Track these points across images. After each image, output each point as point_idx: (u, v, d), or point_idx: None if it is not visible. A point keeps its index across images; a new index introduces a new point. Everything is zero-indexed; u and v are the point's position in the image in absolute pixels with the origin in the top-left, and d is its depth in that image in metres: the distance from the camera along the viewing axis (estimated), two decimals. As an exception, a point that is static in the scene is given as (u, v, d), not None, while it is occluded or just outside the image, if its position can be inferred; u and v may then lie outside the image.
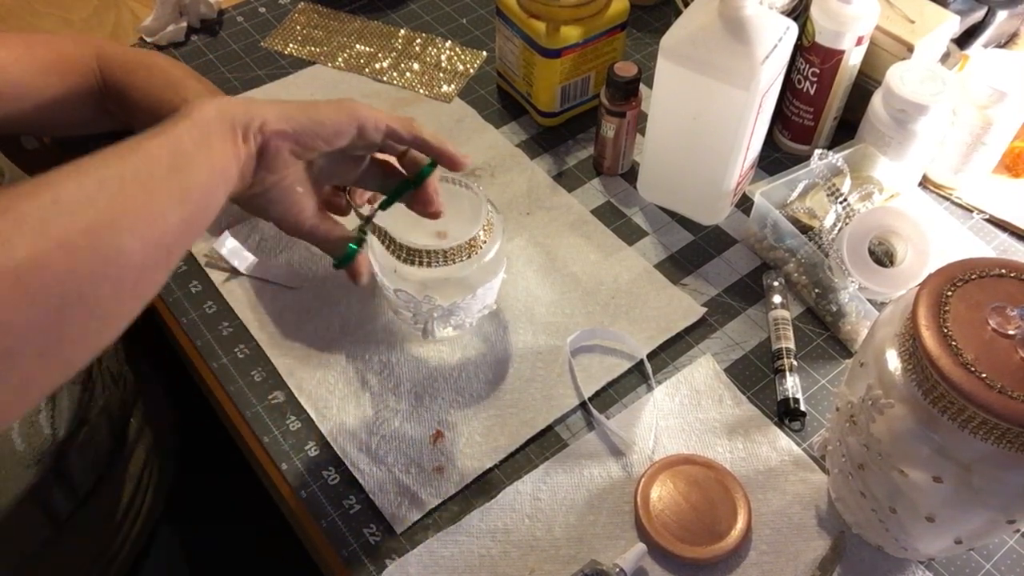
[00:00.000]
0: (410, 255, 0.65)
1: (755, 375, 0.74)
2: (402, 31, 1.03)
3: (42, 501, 0.66)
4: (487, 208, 0.67)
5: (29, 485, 0.64)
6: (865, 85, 0.85)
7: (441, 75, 0.98)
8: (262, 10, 1.05)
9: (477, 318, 0.72)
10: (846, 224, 0.75)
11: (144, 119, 0.79)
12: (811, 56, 0.82)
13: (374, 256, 0.69)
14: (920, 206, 0.81)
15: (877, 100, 0.81)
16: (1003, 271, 0.53)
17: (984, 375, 0.48)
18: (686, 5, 0.84)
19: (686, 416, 0.71)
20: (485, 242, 0.66)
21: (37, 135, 0.92)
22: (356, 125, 0.58)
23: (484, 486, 0.67)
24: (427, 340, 0.74)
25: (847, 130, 0.88)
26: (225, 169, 0.52)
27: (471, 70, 0.99)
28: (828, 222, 0.76)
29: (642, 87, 0.83)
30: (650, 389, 0.72)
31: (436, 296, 0.67)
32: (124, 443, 0.77)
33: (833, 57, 0.81)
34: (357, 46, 1.01)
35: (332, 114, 0.57)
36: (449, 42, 1.01)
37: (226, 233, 0.80)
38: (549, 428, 0.70)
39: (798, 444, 0.69)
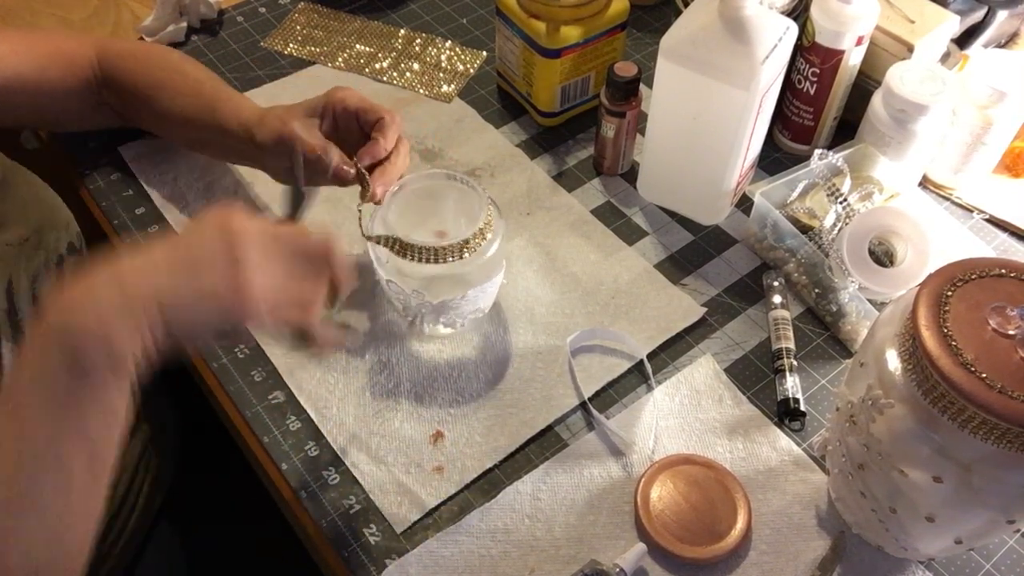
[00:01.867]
0: (403, 249, 0.65)
1: (755, 375, 0.74)
2: (402, 31, 1.03)
3: None
4: (487, 210, 0.67)
5: None
6: (865, 85, 0.85)
7: (441, 75, 0.98)
8: (262, 10, 1.05)
9: (469, 319, 0.72)
10: (846, 224, 0.74)
11: (138, 108, 0.80)
12: (811, 56, 0.82)
13: (372, 245, 0.69)
14: (920, 206, 0.81)
15: (877, 100, 0.81)
16: (1003, 271, 0.53)
17: (984, 375, 0.48)
18: (686, 5, 0.84)
19: (686, 416, 0.71)
20: (480, 243, 0.66)
21: (34, 128, 0.92)
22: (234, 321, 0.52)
23: (484, 486, 0.67)
24: (416, 335, 0.74)
25: (847, 130, 0.88)
26: (116, 410, 0.48)
27: (471, 70, 0.99)
28: (828, 222, 0.76)
29: (642, 87, 0.83)
30: (650, 389, 0.72)
31: (428, 292, 0.67)
32: None
33: (833, 57, 0.81)
34: (357, 46, 1.01)
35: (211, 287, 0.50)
36: (449, 42, 1.01)
37: (226, 233, 0.80)
38: (549, 428, 0.70)
39: (798, 444, 0.69)
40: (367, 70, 0.98)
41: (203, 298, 0.49)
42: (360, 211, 0.68)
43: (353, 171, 0.68)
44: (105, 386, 0.46)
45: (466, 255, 0.65)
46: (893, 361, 0.53)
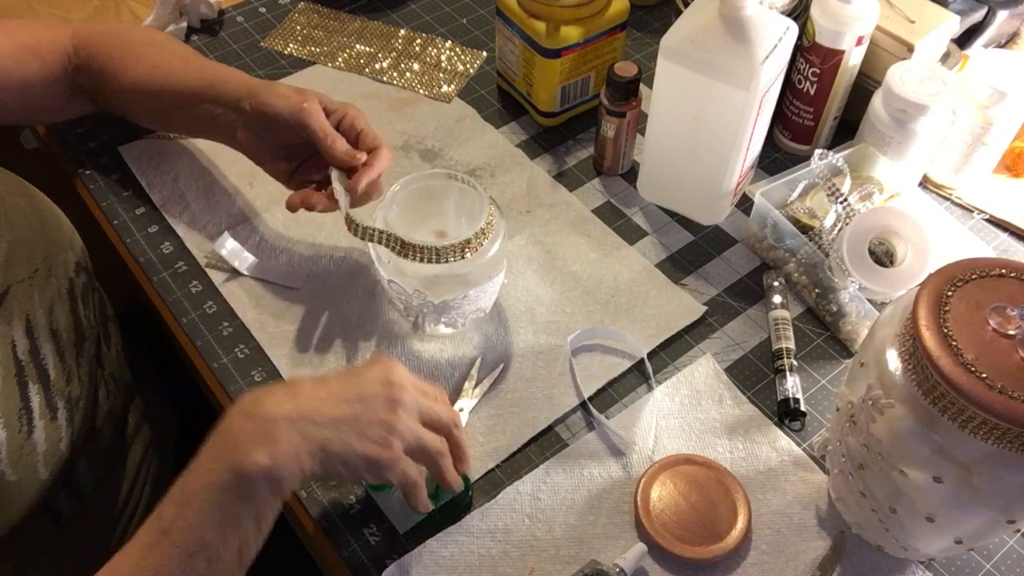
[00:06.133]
0: (403, 248, 0.65)
1: (755, 375, 0.74)
2: (402, 31, 1.03)
3: (50, 508, 0.66)
4: (488, 210, 0.67)
5: (39, 496, 0.64)
6: (865, 85, 0.85)
7: (441, 75, 0.98)
8: (262, 10, 1.05)
9: (470, 319, 0.72)
10: (846, 224, 0.75)
11: (112, 84, 0.79)
12: (811, 56, 0.82)
13: (373, 245, 0.69)
14: (920, 206, 0.81)
15: (877, 100, 0.81)
16: (1003, 271, 0.53)
17: (984, 375, 0.48)
18: (686, 5, 0.84)
19: (686, 416, 0.71)
20: (481, 243, 0.66)
21: (15, 123, 0.91)
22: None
23: (484, 486, 0.67)
24: (418, 333, 0.74)
25: (847, 130, 0.88)
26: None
27: (471, 70, 0.99)
28: (828, 222, 0.76)
29: (642, 87, 0.83)
30: (650, 389, 0.72)
31: (429, 292, 0.67)
32: (123, 441, 0.77)
33: (833, 57, 0.81)
34: (357, 46, 1.01)
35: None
36: (449, 42, 1.01)
37: (226, 234, 0.80)
38: (549, 428, 0.70)
39: (798, 444, 0.69)
40: (367, 70, 0.98)
41: (358, 457, 0.54)
42: (346, 213, 0.69)
43: (362, 157, 0.71)
44: (263, 507, 0.52)
45: (467, 255, 0.65)
46: (893, 361, 0.53)
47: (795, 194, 0.81)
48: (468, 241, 0.65)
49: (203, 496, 0.51)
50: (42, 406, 0.63)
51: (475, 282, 0.68)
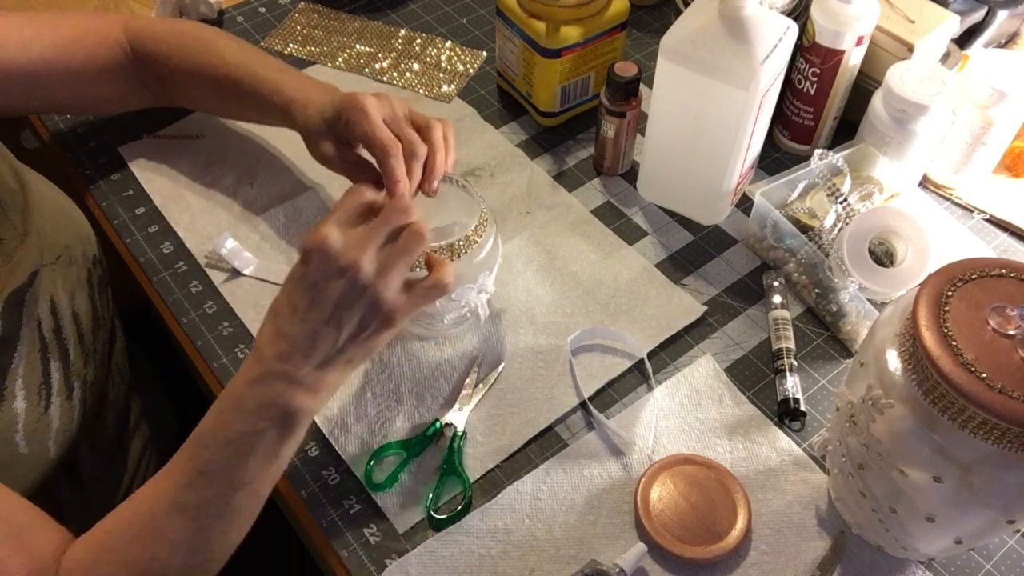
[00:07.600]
0: None
1: (755, 375, 0.74)
2: (402, 31, 1.03)
3: (53, 494, 0.66)
4: (480, 217, 0.66)
5: (45, 476, 0.65)
6: (865, 85, 0.85)
7: (441, 75, 0.98)
8: (262, 10, 1.05)
9: (453, 318, 0.72)
10: (846, 224, 0.75)
11: (182, 87, 0.80)
12: (811, 56, 0.82)
13: None
14: (920, 206, 0.81)
15: (877, 100, 0.81)
16: (1003, 271, 0.53)
17: (984, 375, 0.48)
18: (686, 5, 0.84)
19: (686, 416, 0.71)
20: (467, 250, 0.65)
21: (69, 114, 0.91)
22: None
23: (484, 486, 0.67)
24: (418, 335, 0.74)
25: (847, 130, 0.88)
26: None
27: (471, 70, 0.99)
28: (828, 222, 0.76)
29: (642, 87, 0.83)
30: (650, 389, 0.72)
31: None
32: (125, 433, 0.78)
33: (833, 57, 0.81)
34: (357, 46, 1.01)
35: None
36: (449, 42, 1.01)
37: (226, 234, 0.80)
38: (549, 428, 0.70)
39: (798, 444, 0.69)
40: (367, 70, 0.98)
41: (376, 344, 0.58)
42: None
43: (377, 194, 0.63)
44: (301, 435, 0.57)
45: (454, 259, 0.65)
46: (893, 361, 0.53)
47: (795, 194, 0.81)
48: (452, 245, 0.64)
49: (245, 441, 0.54)
50: (60, 383, 0.64)
51: (464, 282, 0.67)
